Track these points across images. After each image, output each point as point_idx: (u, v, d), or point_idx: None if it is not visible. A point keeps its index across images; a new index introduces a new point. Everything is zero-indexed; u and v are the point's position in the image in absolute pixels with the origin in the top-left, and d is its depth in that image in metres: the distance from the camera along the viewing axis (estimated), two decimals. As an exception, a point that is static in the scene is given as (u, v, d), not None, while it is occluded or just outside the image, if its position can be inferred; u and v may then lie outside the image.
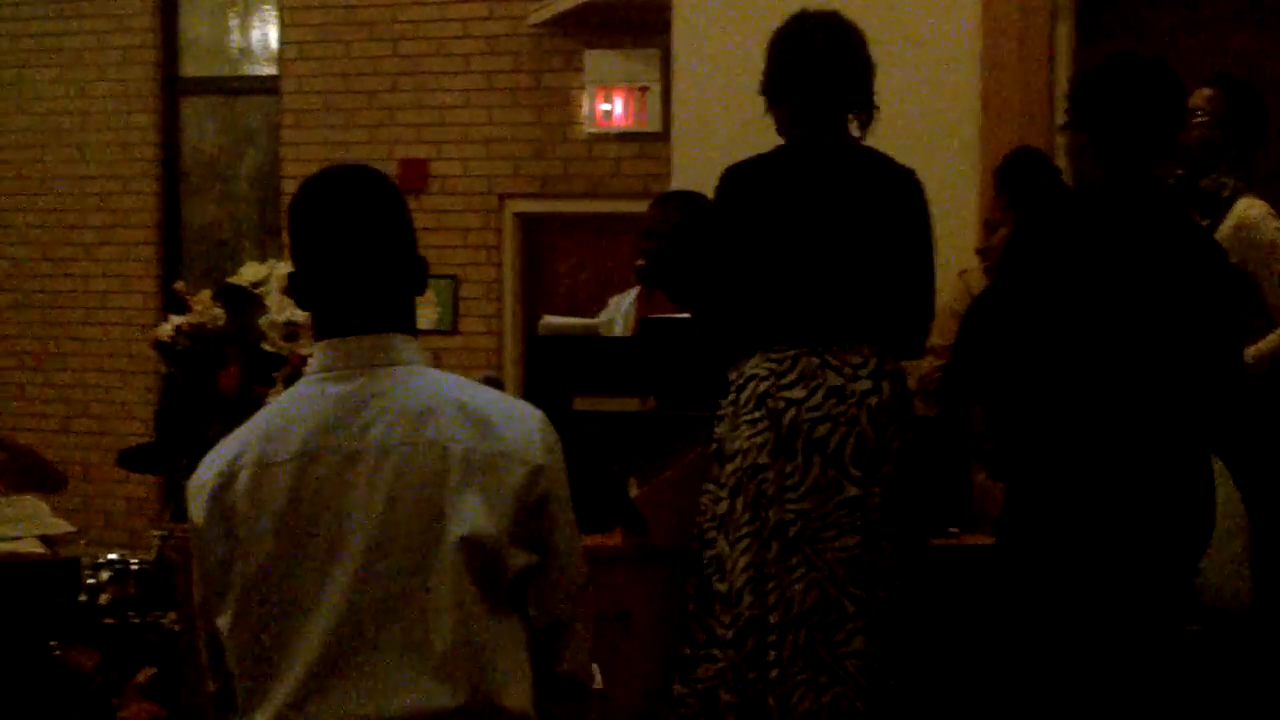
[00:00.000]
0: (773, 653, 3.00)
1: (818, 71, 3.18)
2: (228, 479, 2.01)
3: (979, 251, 4.27)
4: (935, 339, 3.51)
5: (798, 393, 3.05)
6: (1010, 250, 3.02)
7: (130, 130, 8.35)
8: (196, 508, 2.04)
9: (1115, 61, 2.97)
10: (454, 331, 7.78)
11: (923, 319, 3.23)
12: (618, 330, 4.58)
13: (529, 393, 4.03)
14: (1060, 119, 3.22)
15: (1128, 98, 2.90)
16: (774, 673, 2.99)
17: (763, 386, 3.07)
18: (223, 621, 2.02)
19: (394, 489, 1.98)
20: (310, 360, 2.11)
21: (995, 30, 5.33)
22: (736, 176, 3.21)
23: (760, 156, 3.23)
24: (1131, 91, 2.90)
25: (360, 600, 1.96)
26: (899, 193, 3.20)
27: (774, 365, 3.08)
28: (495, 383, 3.76)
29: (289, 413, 2.05)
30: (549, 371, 3.79)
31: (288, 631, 1.97)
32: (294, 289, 2.13)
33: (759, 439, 3.05)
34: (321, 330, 2.08)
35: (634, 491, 3.45)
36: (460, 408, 2.02)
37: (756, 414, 3.06)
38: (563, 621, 2.08)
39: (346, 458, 1.99)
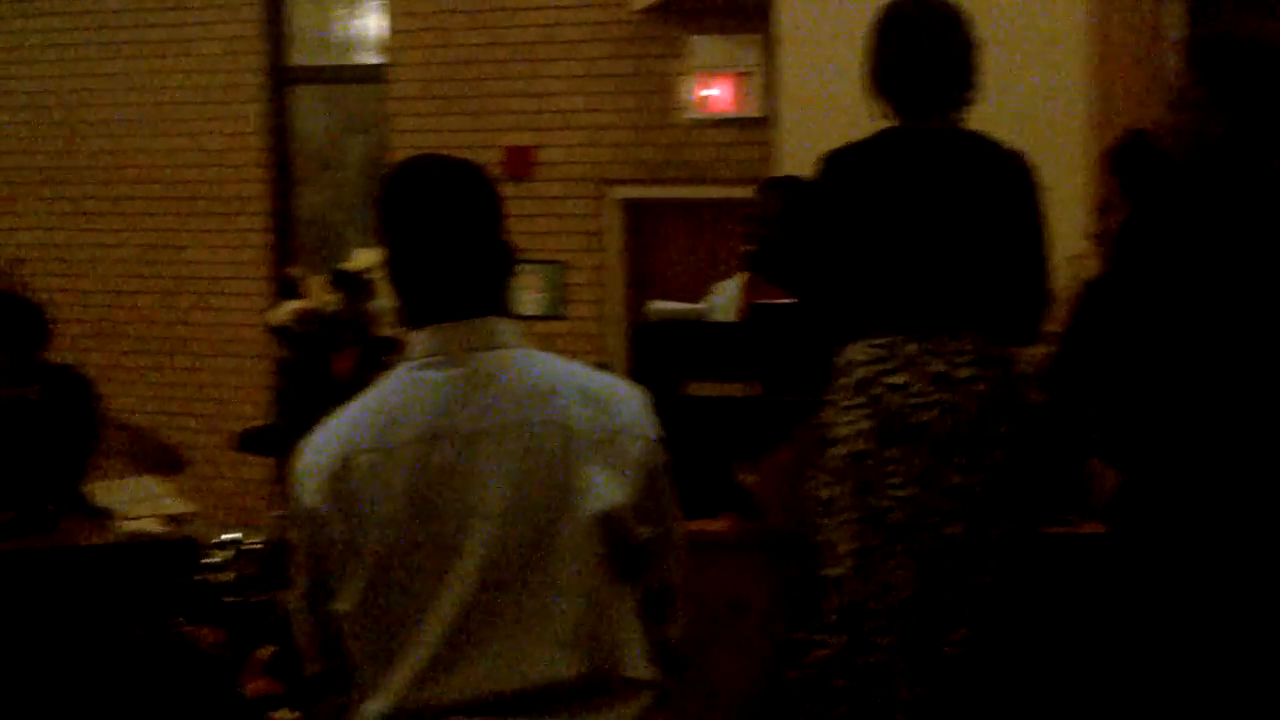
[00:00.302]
0: (876, 640, 3.00)
1: (922, 61, 3.14)
2: (345, 464, 2.04)
3: (1091, 236, 4.22)
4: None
5: (899, 379, 3.04)
6: (1126, 234, 2.98)
7: (240, 120, 8.50)
8: (310, 491, 2.07)
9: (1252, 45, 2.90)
10: (560, 317, 7.83)
11: (1040, 304, 3.19)
12: (723, 315, 4.59)
13: (635, 378, 4.05)
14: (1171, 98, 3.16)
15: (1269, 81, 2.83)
16: (878, 658, 2.99)
17: (864, 373, 3.06)
18: (343, 604, 2.05)
19: (519, 467, 2.01)
20: (410, 346, 2.13)
21: (1105, 9, 5.26)
22: (838, 161, 3.19)
23: (863, 141, 3.20)
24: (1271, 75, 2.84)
25: (488, 576, 1.99)
26: (1009, 176, 3.17)
27: (876, 351, 3.07)
28: (605, 368, 3.79)
29: (401, 397, 2.08)
30: (655, 357, 3.81)
31: (414, 611, 2.01)
32: (389, 276, 2.15)
33: (861, 425, 3.04)
34: (416, 317, 2.11)
35: (743, 477, 3.46)
36: (577, 386, 2.07)
37: (858, 400, 3.06)
38: (672, 587, 2.15)
39: (468, 438, 2.02)
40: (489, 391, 2.04)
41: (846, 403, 3.07)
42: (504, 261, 2.15)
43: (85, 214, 8.82)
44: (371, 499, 2.02)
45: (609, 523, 2.02)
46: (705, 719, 3.21)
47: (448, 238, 2.09)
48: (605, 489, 2.02)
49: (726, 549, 3.22)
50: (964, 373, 3.05)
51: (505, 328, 2.10)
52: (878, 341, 3.07)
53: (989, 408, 3.06)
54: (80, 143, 8.80)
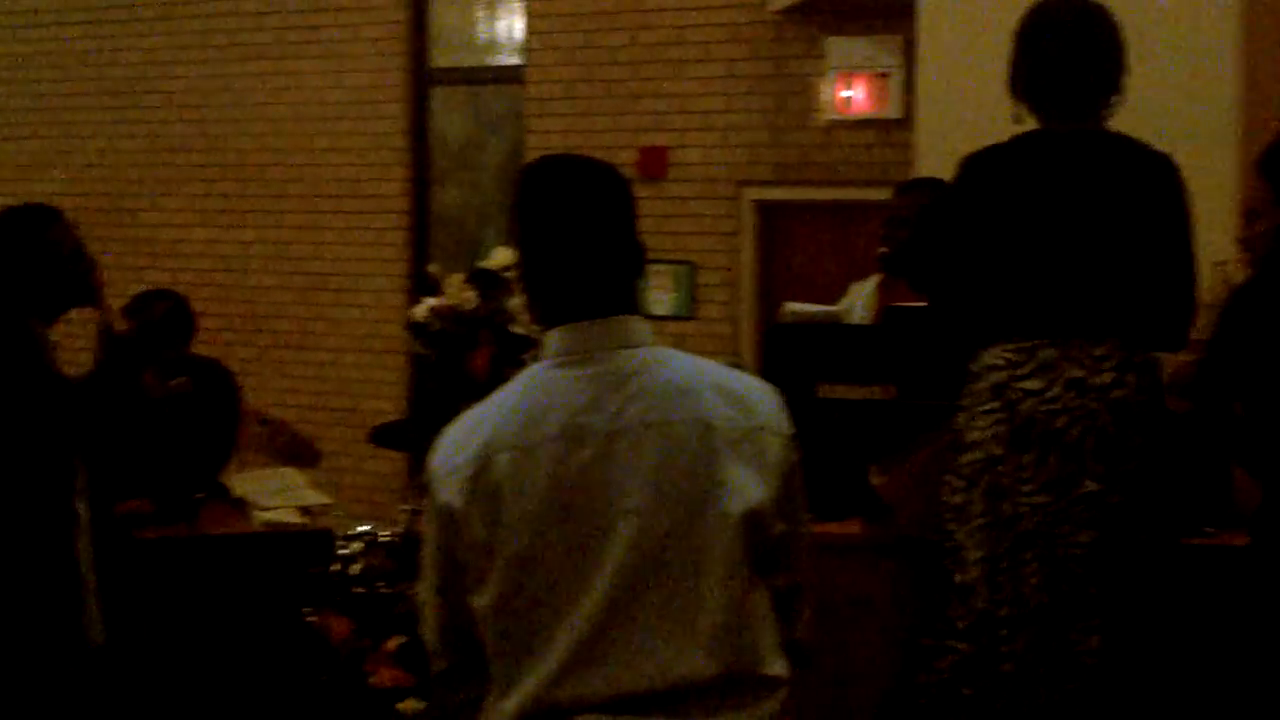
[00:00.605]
0: (1006, 648, 2.96)
1: (1068, 63, 3.08)
2: (485, 462, 2.04)
3: (1239, 241, 4.10)
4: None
5: (1035, 384, 2.99)
6: (1277, 241, 2.90)
7: (382, 120, 8.63)
8: (448, 489, 2.06)
9: None
10: (691, 317, 7.83)
11: (1186, 310, 3.11)
12: (857, 318, 4.55)
13: (767, 379, 4.03)
14: None
15: None
16: (1007, 666, 2.95)
17: (999, 377, 3.02)
18: (482, 601, 2.04)
19: (660, 465, 2.01)
20: (545, 344, 2.13)
21: (1255, 12, 5.12)
22: (978, 163, 3.15)
23: (1005, 143, 3.15)
24: None
25: (629, 575, 1.99)
26: (1155, 179, 3.09)
27: (1011, 356, 3.02)
28: (738, 368, 3.77)
29: (539, 396, 2.07)
30: (787, 358, 3.79)
31: (552, 609, 2.00)
32: (523, 275, 2.16)
33: (995, 430, 3.00)
34: (550, 316, 2.11)
35: (875, 480, 3.43)
36: (714, 384, 2.07)
37: (993, 405, 3.01)
38: (802, 584, 2.14)
39: (609, 436, 2.02)
40: (626, 390, 2.04)
41: (980, 407, 3.03)
42: (636, 261, 2.15)
43: (229, 211, 9.03)
44: (511, 497, 2.02)
45: (751, 520, 2.01)
46: (833, 713, 3.18)
47: (583, 237, 2.09)
48: (747, 487, 2.02)
49: (855, 551, 3.20)
50: (1103, 379, 2.99)
51: (639, 327, 2.10)
52: (1014, 346, 3.03)
53: (1127, 415, 2.99)
54: (226, 142, 9.01)
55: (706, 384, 2.07)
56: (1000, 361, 3.03)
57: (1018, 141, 3.14)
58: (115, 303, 4.14)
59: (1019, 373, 3.00)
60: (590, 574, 2.00)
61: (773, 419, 2.08)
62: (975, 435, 3.03)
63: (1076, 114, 3.11)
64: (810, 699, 3.17)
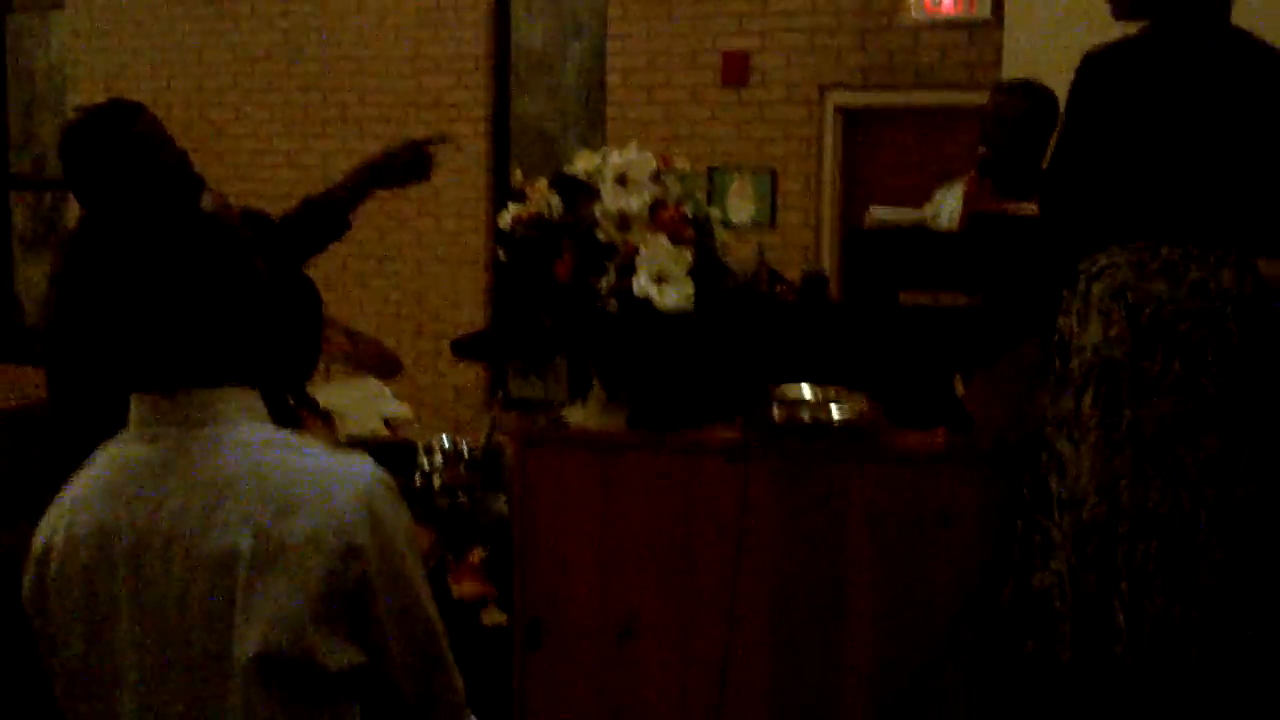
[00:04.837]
0: (1122, 560, 2.88)
1: None
2: (44, 550, 1.82)
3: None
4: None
5: (1159, 286, 2.90)
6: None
7: (463, 27, 8.57)
8: (25, 574, 1.84)
9: None
10: (772, 225, 7.75)
11: None
12: (943, 223, 4.47)
13: (848, 286, 3.98)
14: None
15: None
16: (1123, 583, 2.88)
17: (1121, 277, 2.93)
18: (59, 697, 1.85)
19: (170, 598, 1.73)
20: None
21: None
22: (1100, 61, 3.03)
23: (1125, 40, 3.03)
24: None
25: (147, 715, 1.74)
26: (1277, 78, 2.97)
27: (1134, 258, 2.93)
28: (818, 276, 3.72)
29: (107, 475, 1.82)
30: (869, 265, 3.72)
31: None
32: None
33: (1113, 334, 2.91)
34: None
35: (959, 389, 3.37)
36: (260, 483, 1.73)
37: (1110, 307, 2.93)
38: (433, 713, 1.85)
39: (134, 546, 1.76)
40: (167, 481, 1.75)
41: (1098, 309, 2.94)
42: (232, 319, 1.79)
43: (311, 121, 9.04)
44: (55, 597, 1.80)
45: (268, 667, 1.69)
46: (916, 631, 3.16)
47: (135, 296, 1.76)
48: (262, 624, 1.68)
49: (940, 462, 3.15)
50: (1225, 282, 2.89)
51: (216, 399, 1.79)
52: (1136, 248, 2.94)
53: (1249, 319, 2.90)
54: (309, 52, 9.00)
55: (250, 482, 1.71)
56: (1121, 263, 2.94)
57: (1138, 39, 3.03)
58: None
59: (1144, 273, 2.91)
60: (116, 708, 1.76)
61: (323, 528, 1.69)
62: (1089, 339, 2.94)
63: (1195, 10, 2.99)
64: (890, 619, 3.16)
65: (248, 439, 1.75)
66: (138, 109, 3.40)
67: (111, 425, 1.86)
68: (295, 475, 1.72)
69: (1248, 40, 2.99)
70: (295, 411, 4.78)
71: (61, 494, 1.84)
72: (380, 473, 1.79)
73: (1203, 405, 2.87)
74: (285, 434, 1.80)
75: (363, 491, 1.73)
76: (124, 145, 3.30)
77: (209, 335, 1.76)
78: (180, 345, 1.75)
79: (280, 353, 1.85)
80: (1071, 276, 3.02)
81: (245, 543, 1.67)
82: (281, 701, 1.69)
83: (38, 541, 1.82)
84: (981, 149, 4.10)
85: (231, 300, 1.77)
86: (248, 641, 1.67)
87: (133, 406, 1.79)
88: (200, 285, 1.74)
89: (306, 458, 1.75)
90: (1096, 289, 2.95)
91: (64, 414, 3.31)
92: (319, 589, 1.67)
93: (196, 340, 1.75)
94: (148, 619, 1.72)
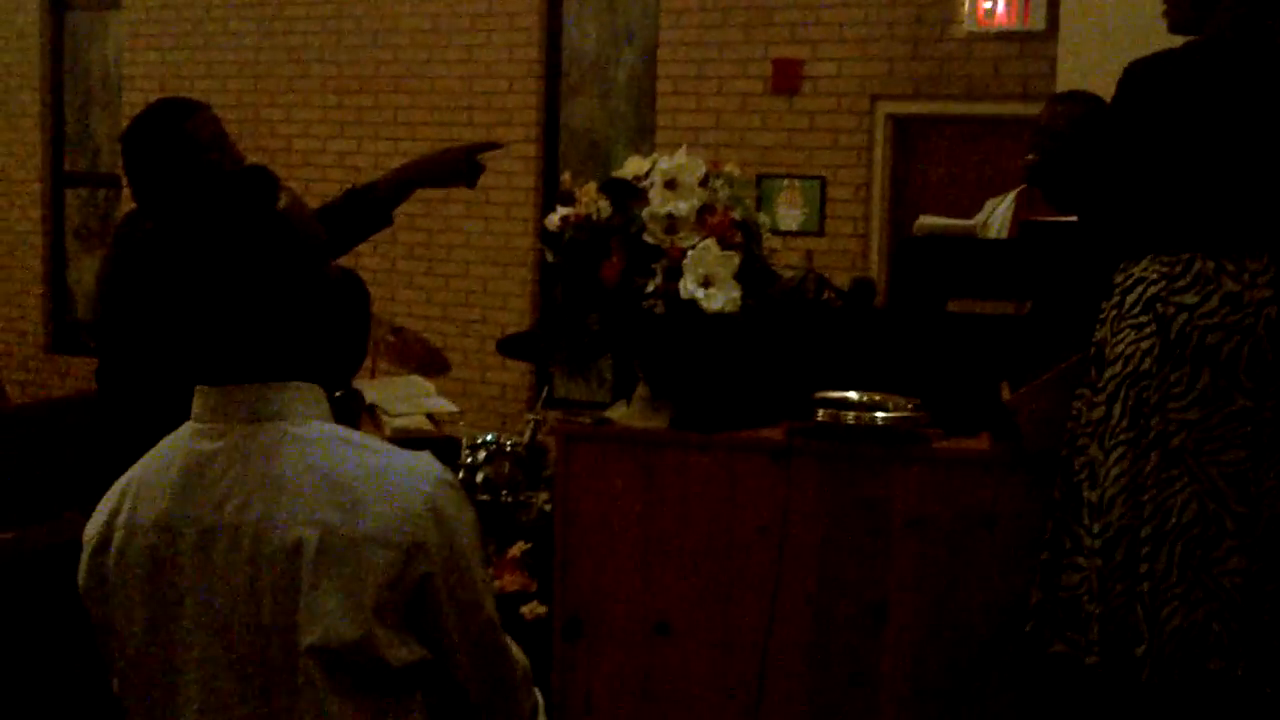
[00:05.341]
0: (1145, 565, 2.89)
1: None
2: (104, 539, 1.85)
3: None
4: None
5: (1190, 298, 2.90)
6: None
7: (516, 31, 8.62)
8: (80, 565, 1.86)
9: None
10: (820, 233, 7.75)
11: None
12: (994, 233, 4.47)
13: (896, 294, 3.98)
14: None
15: None
16: (1145, 585, 2.89)
17: (1152, 290, 2.93)
18: (115, 684, 1.88)
19: (238, 584, 1.77)
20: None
21: None
22: (1143, 71, 3.04)
23: (1170, 51, 3.04)
24: None
25: (216, 697, 1.77)
26: None
27: (1166, 269, 2.93)
28: (867, 283, 3.72)
29: (167, 468, 1.84)
30: (918, 273, 3.73)
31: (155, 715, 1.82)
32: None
33: (1144, 344, 2.92)
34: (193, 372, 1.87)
35: (1005, 395, 3.37)
36: (327, 479, 1.75)
37: (1143, 318, 2.93)
38: (486, 705, 1.87)
39: (202, 534, 1.79)
40: (229, 477, 1.78)
41: (1128, 320, 2.95)
42: (295, 316, 1.83)
43: (363, 123, 9.11)
44: (116, 584, 1.82)
45: (326, 657, 1.72)
46: (958, 634, 3.16)
47: (208, 289, 1.81)
48: (327, 616, 1.71)
49: (983, 467, 3.15)
50: (1260, 294, 2.89)
51: (280, 396, 1.81)
52: (1168, 258, 2.94)
53: None
54: (362, 54, 9.08)
55: (316, 478, 1.74)
56: (1153, 274, 2.94)
57: (1185, 50, 3.03)
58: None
59: (1174, 286, 2.91)
60: (178, 698, 1.79)
61: (387, 526, 1.72)
62: (1121, 349, 2.95)
63: (1241, 23, 2.99)
64: (931, 622, 3.16)
65: (314, 435, 1.78)
66: (196, 107, 3.44)
67: (163, 417, 1.89)
68: (361, 472, 1.74)
69: None
70: (355, 408, 4.83)
71: (118, 484, 1.86)
72: (445, 472, 1.82)
73: (1231, 418, 2.87)
74: (349, 431, 1.82)
75: (428, 490, 1.76)
76: (177, 142, 3.34)
77: (279, 332, 1.79)
78: (251, 341, 1.78)
79: (334, 349, 1.87)
80: (1108, 287, 3.03)
81: (311, 538, 1.70)
82: (345, 694, 1.72)
83: (93, 530, 1.85)
84: (1030, 156, 4.10)
85: (301, 298, 1.80)
86: (312, 635, 1.70)
87: (197, 399, 1.82)
88: (272, 283, 1.78)
89: (373, 455, 1.77)
90: (1129, 300, 2.96)
91: (115, 405, 3.36)
92: (383, 585, 1.70)
93: (267, 336, 1.78)
94: (212, 610, 1.75)
